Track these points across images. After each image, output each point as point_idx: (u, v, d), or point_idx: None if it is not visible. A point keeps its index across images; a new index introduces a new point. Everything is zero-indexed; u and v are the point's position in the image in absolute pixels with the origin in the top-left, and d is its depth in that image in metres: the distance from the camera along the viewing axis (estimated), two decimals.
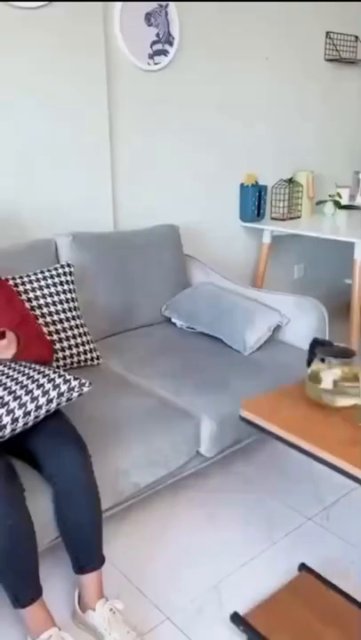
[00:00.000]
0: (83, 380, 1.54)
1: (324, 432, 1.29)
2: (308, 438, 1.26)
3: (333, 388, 1.37)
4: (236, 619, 1.56)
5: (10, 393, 1.45)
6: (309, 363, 1.49)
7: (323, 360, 1.41)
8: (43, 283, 2.09)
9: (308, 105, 3.42)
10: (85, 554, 1.57)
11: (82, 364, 2.11)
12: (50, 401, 1.48)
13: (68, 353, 2.06)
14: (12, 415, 1.42)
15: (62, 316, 2.08)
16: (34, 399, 1.46)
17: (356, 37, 3.49)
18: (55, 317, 2.06)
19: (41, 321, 2.02)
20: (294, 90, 3.32)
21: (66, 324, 2.08)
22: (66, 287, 2.13)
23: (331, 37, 3.34)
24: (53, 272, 2.13)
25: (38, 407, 1.46)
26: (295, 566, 1.75)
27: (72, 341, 2.08)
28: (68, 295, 2.13)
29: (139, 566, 1.80)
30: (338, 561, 1.80)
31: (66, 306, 2.10)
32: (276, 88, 3.23)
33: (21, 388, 1.47)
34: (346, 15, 3.38)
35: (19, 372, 1.54)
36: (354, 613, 1.54)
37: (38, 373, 1.53)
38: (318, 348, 1.46)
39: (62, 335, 2.06)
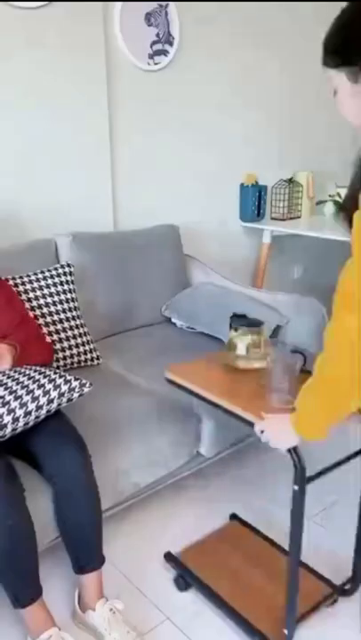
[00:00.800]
0: (83, 381, 1.54)
1: (233, 389, 1.48)
2: (218, 393, 1.46)
3: (246, 353, 1.57)
4: (168, 557, 1.77)
5: (11, 393, 1.45)
6: None
7: (237, 329, 1.59)
8: (43, 283, 2.09)
9: (308, 105, 3.42)
10: (85, 554, 1.57)
11: (82, 364, 2.11)
12: (50, 401, 1.48)
13: (68, 353, 2.06)
14: (12, 415, 1.42)
15: (62, 315, 2.08)
16: (35, 399, 1.46)
17: None
18: (55, 317, 2.06)
19: (41, 321, 2.02)
20: (294, 90, 3.32)
21: (66, 324, 2.08)
22: (66, 287, 2.13)
23: None
24: (53, 272, 2.13)
25: (39, 407, 1.46)
26: None
27: (72, 341, 2.08)
28: (68, 295, 2.13)
29: (139, 566, 1.81)
30: (339, 561, 1.80)
31: (66, 306, 2.11)
32: (277, 88, 3.23)
33: (22, 387, 1.47)
34: None
35: (20, 373, 1.55)
36: (276, 556, 1.76)
37: (39, 374, 1.53)
38: (233, 319, 1.61)
39: (62, 335, 2.06)
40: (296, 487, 1.32)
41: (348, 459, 1.50)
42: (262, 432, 1.31)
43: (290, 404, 1.27)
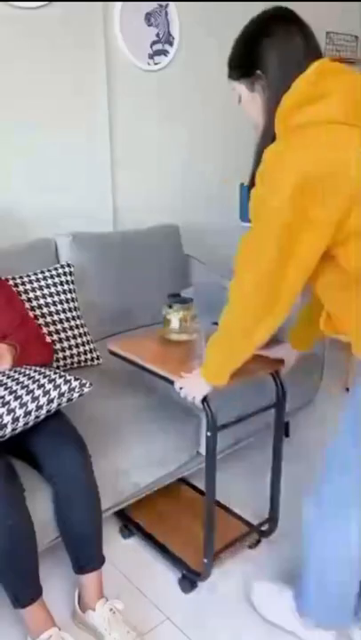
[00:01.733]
0: (83, 381, 1.54)
1: (165, 358, 1.68)
2: (151, 361, 1.65)
3: (178, 328, 1.77)
4: (119, 514, 1.92)
5: (11, 393, 1.45)
6: None
7: (170, 306, 1.78)
8: (43, 283, 2.09)
9: None
10: (85, 554, 1.57)
11: (82, 364, 2.11)
12: (50, 401, 1.48)
13: (68, 353, 2.06)
14: (12, 415, 1.42)
15: (62, 316, 2.08)
16: (35, 399, 1.46)
17: (356, 37, 3.49)
18: (55, 317, 2.06)
19: (41, 321, 2.02)
20: None
21: (66, 324, 2.08)
22: (66, 287, 2.13)
23: (331, 37, 3.34)
24: (53, 272, 2.13)
25: (39, 407, 1.46)
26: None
27: (72, 341, 2.08)
28: (68, 295, 2.13)
29: (139, 566, 1.81)
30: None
31: (66, 306, 2.11)
32: None
33: (22, 387, 1.47)
34: (346, 15, 3.38)
35: (19, 373, 1.55)
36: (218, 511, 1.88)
37: (39, 374, 1.53)
38: (169, 298, 1.82)
39: (62, 335, 2.06)
40: (209, 433, 1.55)
41: (261, 410, 1.72)
42: (181, 389, 1.51)
43: None
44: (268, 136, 1.29)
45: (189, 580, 1.73)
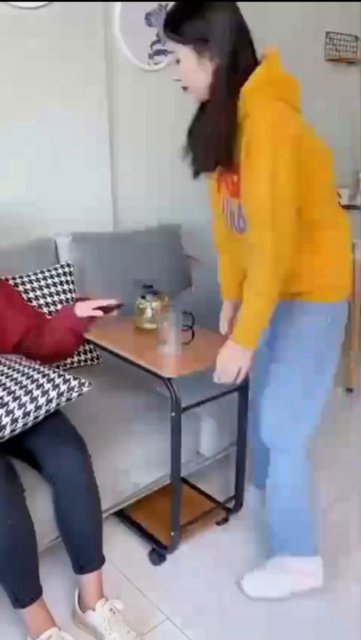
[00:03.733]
0: (82, 380, 1.54)
1: (138, 345, 1.80)
2: (125, 349, 1.76)
3: (151, 317, 1.88)
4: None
5: (9, 393, 1.45)
6: None
7: (144, 297, 1.89)
8: (43, 283, 2.09)
9: (308, 105, 3.41)
10: (85, 554, 1.57)
11: (82, 363, 2.11)
12: (49, 401, 1.48)
13: None
14: (11, 416, 1.42)
15: None
16: (33, 399, 1.46)
17: (356, 37, 3.49)
18: None
19: None
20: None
21: None
22: (66, 287, 2.13)
23: (331, 37, 3.34)
24: (53, 272, 2.14)
25: (38, 407, 1.46)
26: None
27: None
28: (68, 295, 2.13)
29: (139, 566, 1.81)
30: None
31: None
32: None
33: (21, 388, 1.47)
34: (346, 15, 3.38)
35: (18, 372, 1.54)
36: (197, 498, 2.03)
37: (38, 373, 1.53)
38: (142, 289, 1.92)
39: None
40: (173, 414, 1.62)
41: (221, 395, 1.76)
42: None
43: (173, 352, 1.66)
44: (222, 108, 1.34)
45: (158, 553, 1.82)
